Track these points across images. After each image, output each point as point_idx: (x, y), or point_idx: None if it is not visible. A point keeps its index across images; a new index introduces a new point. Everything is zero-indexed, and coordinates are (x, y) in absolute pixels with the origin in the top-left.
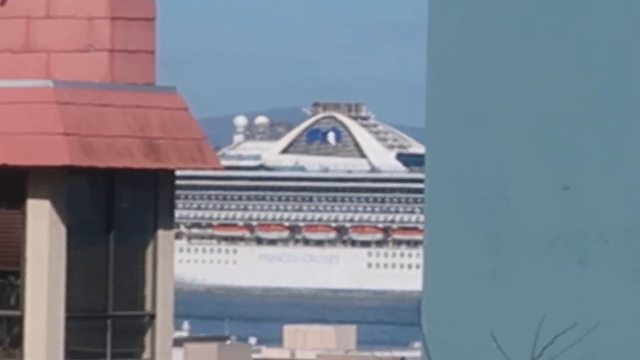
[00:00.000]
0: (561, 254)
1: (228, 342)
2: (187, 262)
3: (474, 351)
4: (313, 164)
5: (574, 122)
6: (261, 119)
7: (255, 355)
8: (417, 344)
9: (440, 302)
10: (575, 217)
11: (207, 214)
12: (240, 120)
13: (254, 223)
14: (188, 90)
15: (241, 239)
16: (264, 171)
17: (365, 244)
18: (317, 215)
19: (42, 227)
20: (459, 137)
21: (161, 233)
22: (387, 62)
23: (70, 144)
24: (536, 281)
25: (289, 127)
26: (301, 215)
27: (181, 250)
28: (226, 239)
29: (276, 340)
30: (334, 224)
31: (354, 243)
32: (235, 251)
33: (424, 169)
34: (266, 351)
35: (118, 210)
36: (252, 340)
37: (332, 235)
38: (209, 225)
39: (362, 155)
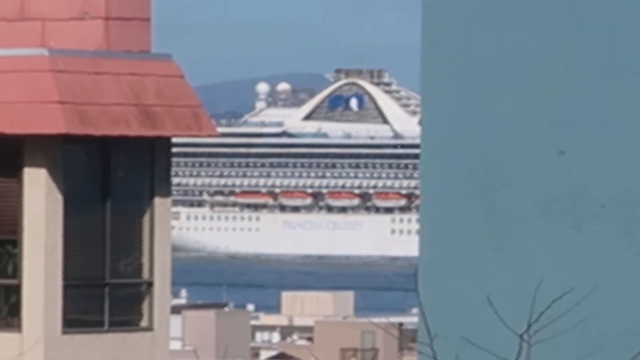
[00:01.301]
0: (557, 218)
1: (226, 309)
2: (210, 229)
3: (471, 317)
4: (336, 130)
5: (569, 87)
6: (283, 86)
7: (253, 322)
8: (415, 310)
9: (437, 268)
10: (570, 182)
11: (229, 182)
12: (263, 87)
13: (277, 190)
14: (209, 54)
15: (264, 206)
16: (286, 138)
17: (389, 210)
18: (340, 182)
19: (39, 195)
20: (454, 102)
21: (157, 200)
22: (410, 27)
23: (65, 112)
24: (532, 246)
25: (312, 94)
26: (324, 182)
27: (204, 217)
28: (249, 206)
29: (274, 307)
30: (357, 191)
31: (377, 210)
32: (258, 219)
33: (420, 135)
34: (264, 318)
35: (114, 178)
36: (250, 307)
37: (356, 202)
38: (232, 193)
39: (385, 121)
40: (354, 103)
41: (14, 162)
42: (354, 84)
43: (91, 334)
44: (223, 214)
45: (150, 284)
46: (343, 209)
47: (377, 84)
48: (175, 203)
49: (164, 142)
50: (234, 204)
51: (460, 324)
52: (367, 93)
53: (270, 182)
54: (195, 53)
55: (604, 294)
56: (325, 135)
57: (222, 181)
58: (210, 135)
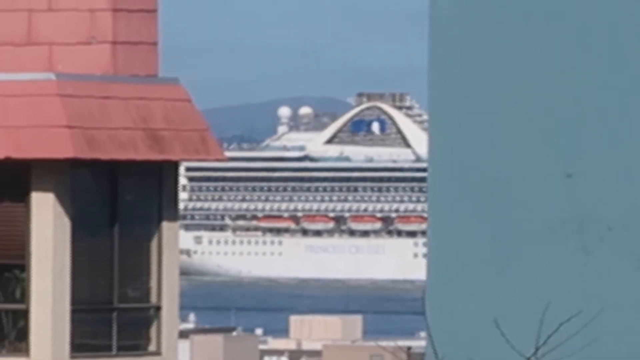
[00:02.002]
0: (564, 240)
1: (234, 333)
2: (232, 254)
3: (478, 339)
4: (358, 154)
5: (576, 110)
6: (305, 110)
7: (261, 346)
8: (423, 334)
9: (444, 290)
10: (578, 204)
11: (252, 206)
12: (284, 111)
13: (299, 214)
14: (217, 77)
15: (286, 230)
16: (308, 162)
17: (411, 234)
18: (363, 206)
19: (47, 220)
20: (461, 124)
21: (165, 224)
22: None
23: (73, 136)
24: (539, 268)
25: (334, 118)
26: (346, 205)
27: (226, 242)
28: (271, 230)
29: (282, 331)
30: (379, 215)
31: (399, 233)
32: (280, 243)
33: (427, 156)
34: (273, 342)
35: (122, 202)
36: (259, 331)
37: (378, 225)
38: (254, 217)
39: (407, 145)
40: (375, 127)
41: (21, 187)
42: (376, 107)
43: (99, 359)
44: (245, 238)
45: (158, 308)
46: (365, 233)
47: (399, 108)
48: (198, 227)
49: (172, 166)
50: (256, 228)
51: (467, 346)
52: (389, 117)
53: (292, 206)
54: (202, 76)
55: (611, 316)
56: (347, 159)
57: (244, 205)
58: (218, 160)
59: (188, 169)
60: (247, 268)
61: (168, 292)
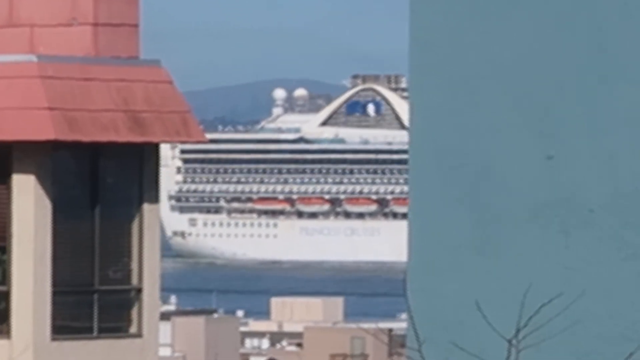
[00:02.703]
0: (545, 223)
1: (215, 315)
2: (227, 236)
3: (460, 322)
4: (353, 136)
5: (557, 92)
6: (300, 92)
7: (242, 328)
8: (404, 316)
9: (425, 273)
10: (559, 187)
11: (246, 188)
12: (279, 93)
13: (295, 196)
14: (199, 60)
15: (281, 212)
16: (303, 144)
17: (407, 216)
18: (358, 188)
19: (28, 202)
20: (442, 107)
21: (146, 207)
22: None
23: (54, 118)
24: (521, 251)
25: (329, 100)
26: (342, 188)
27: (221, 224)
28: (266, 212)
29: (263, 313)
30: (374, 197)
31: (395, 215)
32: (275, 225)
33: (408, 139)
34: (254, 324)
35: (103, 184)
36: (240, 313)
37: (373, 207)
38: (249, 199)
39: (402, 126)
40: (371, 109)
41: (2, 169)
42: (371, 89)
43: (80, 341)
44: (240, 220)
45: (139, 290)
46: (361, 215)
47: (395, 90)
48: (192, 209)
49: (153, 148)
50: (251, 211)
51: (448, 329)
52: (385, 98)
53: (287, 188)
54: (184, 58)
55: (592, 299)
56: (342, 141)
57: (239, 187)
58: (199, 141)
59: (183, 151)
60: (242, 250)
61: (149, 274)
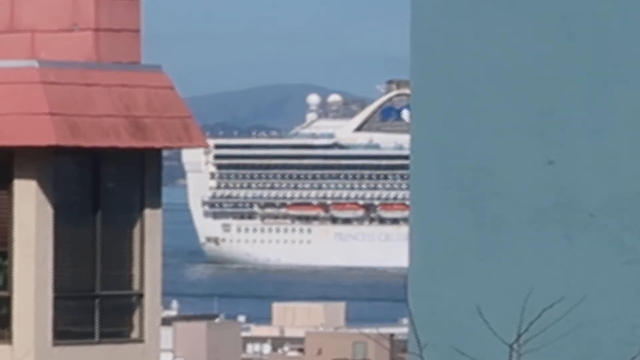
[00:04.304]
0: (547, 227)
1: (217, 320)
2: (260, 242)
3: (461, 326)
4: (387, 141)
5: (558, 96)
6: (334, 97)
7: (244, 333)
8: (405, 321)
9: (426, 278)
10: (560, 191)
11: (280, 194)
12: (313, 99)
13: (329, 202)
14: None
15: (315, 218)
16: (337, 149)
17: None
18: (392, 194)
19: (29, 207)
20: (443, 111)
21: (148, 212)
22: None
23: (56, 123)
24: (522, 255)
25: (363, 105)
26: (376, 193)
27: (255, 230)
28: (300, 218)
29: (265, 318)
30: (409, 202)
31: None
32: (309, 231)
33: (409, 144)
34: (255, 329)
35: (104, 189)
36: (241, 318)
37: (407, 213)
38: (283, 205)
39: None
40: (405, 114)
41: (4, 174)
42: (405, 94)
43: (82, 346)
44: (274, 226)
45: (140, 296)
46: (395, 221)
47: None
48: (226, 215)
49: (154, 154)
50: (285, 216)
51: (450, 333)
52: None
53: (321, 193)
54: (186, 63)
55: (594, 303)
56: (376, 147)
57: (273, 193)
58: (200, 146)
59: (217, 157)
60: (276, 256)
61: (150, 279)
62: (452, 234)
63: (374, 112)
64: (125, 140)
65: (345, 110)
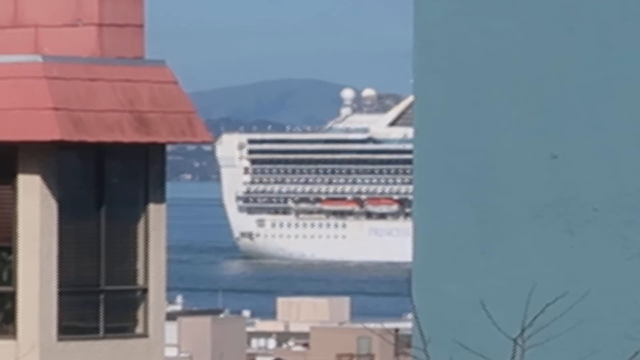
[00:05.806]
0: (550, 222)
1: (221, 315)
2: (295, 237)
3: (464, 321)
4: None
5: (561, 91)
6: (368, 92)
7: (249, 329)
8: (410, 316)
9: (430, 272)
10: (563, 186)
11: (315, 189)
12: (348, 93)
13: (363, 197)
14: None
15: (350, 213)
16: (372, 144)
17: None
18: None
19: (33, 202)
20: (446, 106)
21: (152, 207)
22: None
23: (60, 118)
24: (525, 250)
25: (397, 100)
26: (411, 188)
27: (289, 225)
28: (335, 213)
29: (270, 313)
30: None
31: None
32: (344, 226)
33: (413, 139)
34: (260, 324)
35: (109, 184)
36: (246, 313)
37: None
38: (317, 200)
39: None
40: None
41: (8, 169)
42: None
43: (86, 341)
44: (308, 221)
45: (145, 291)
46: None
47: None
48: (260, 210)
49: (158, 148)
50: (319, 211)
51: (454, 328)
52: None
53: (356, 188)
54: (190, 58)
55: (597, 298)
56: (411, 141)
57: (307, 188)
58: (204, 142)
59: (251, 152)
60: (311, 251)
61: (155, 274)
62: (456, 229)
63: (408, 107)
64: (129, 135)
65: (379, 105)
